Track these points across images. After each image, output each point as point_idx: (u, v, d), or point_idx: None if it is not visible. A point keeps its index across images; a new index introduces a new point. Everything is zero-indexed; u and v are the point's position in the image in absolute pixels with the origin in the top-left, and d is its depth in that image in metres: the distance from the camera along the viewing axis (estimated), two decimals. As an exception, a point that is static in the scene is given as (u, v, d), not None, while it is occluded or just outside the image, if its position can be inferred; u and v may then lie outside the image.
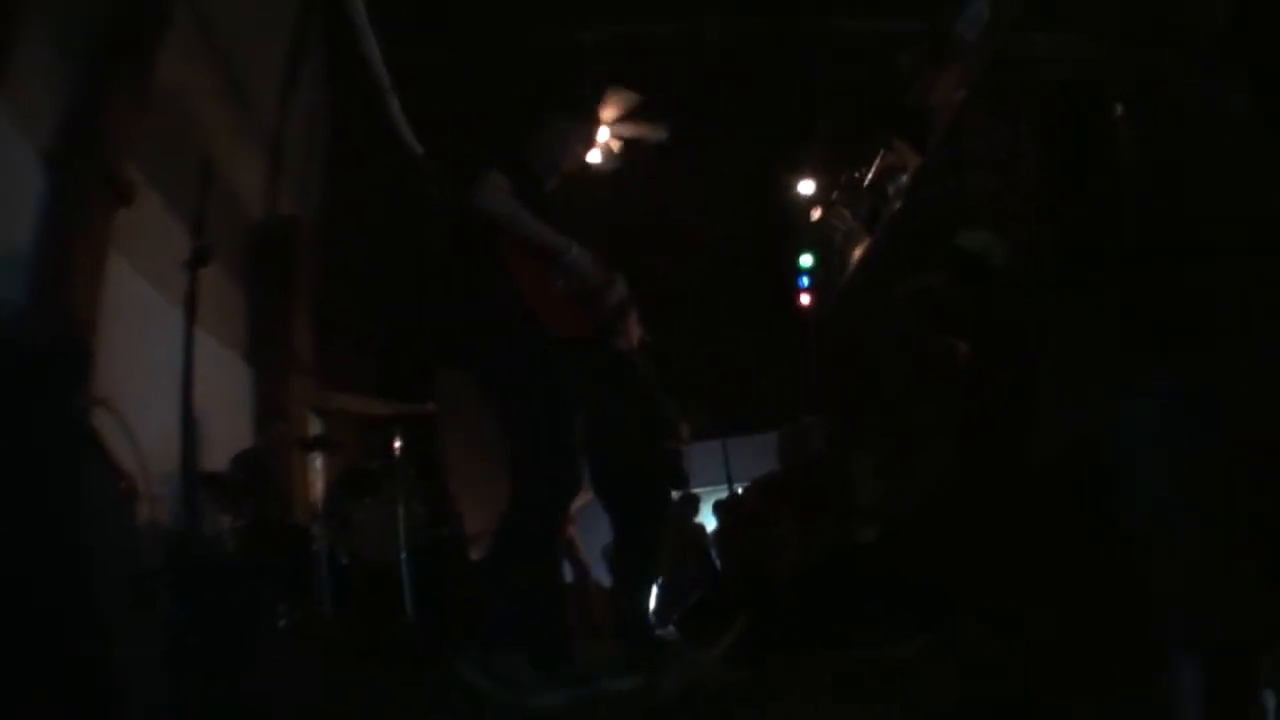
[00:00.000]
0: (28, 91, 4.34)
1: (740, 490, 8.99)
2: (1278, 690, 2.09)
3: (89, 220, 4.64)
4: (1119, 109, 3.02)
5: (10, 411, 2.62)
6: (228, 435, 6.25)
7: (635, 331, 5.85)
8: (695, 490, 9.13)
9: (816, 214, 11.01)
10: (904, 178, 8.57)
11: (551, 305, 4.17)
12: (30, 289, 4.36)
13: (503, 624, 3.93)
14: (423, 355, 9.06)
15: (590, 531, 7.59)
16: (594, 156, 8.17)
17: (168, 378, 4.51)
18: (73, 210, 4.55)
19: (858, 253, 10.00)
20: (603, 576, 7.73)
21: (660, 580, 8.11)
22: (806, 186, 10.90)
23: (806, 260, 11.34)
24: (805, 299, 11.35)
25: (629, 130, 8.65)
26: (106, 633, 2.60)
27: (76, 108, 4.69)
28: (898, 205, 8.61)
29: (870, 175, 9.46)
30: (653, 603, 6.92)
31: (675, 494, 7.19)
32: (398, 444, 6.41)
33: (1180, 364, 2.30)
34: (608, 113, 8.26)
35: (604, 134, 8.53)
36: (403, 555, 6.00)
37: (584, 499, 4.79)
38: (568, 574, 7.72)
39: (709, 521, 9.89)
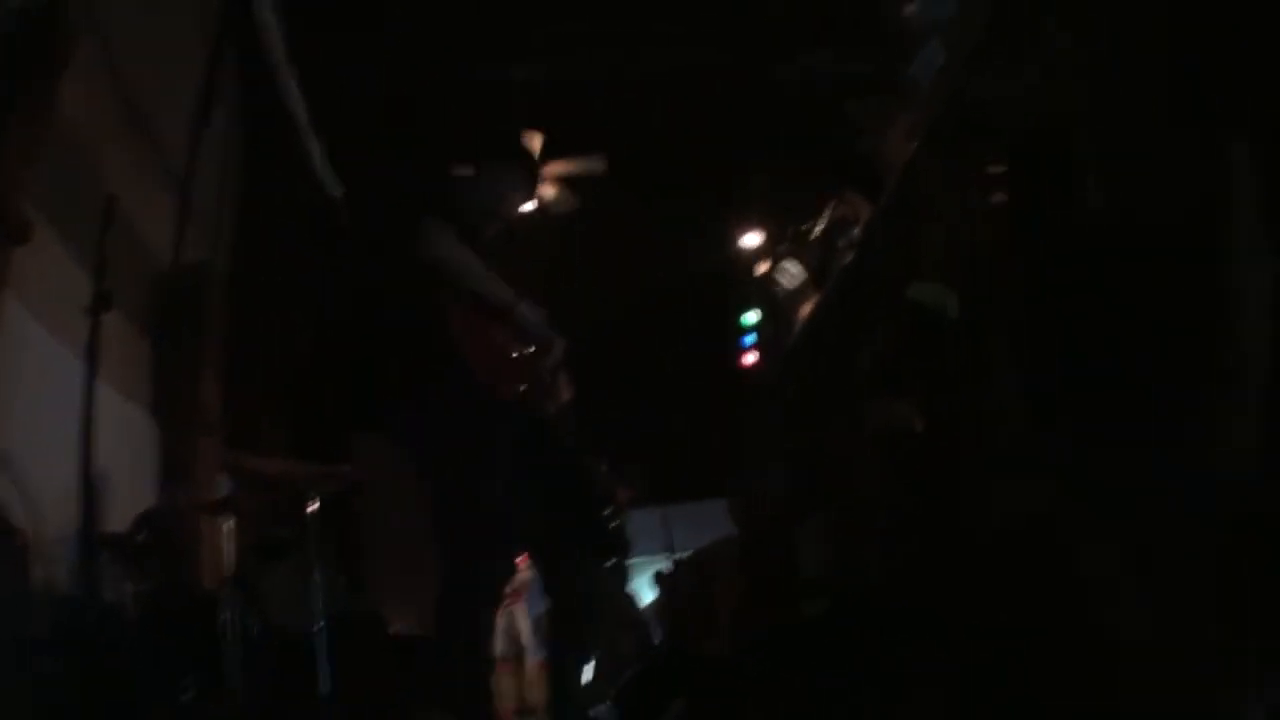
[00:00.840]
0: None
1: (681, 560, 8.98)
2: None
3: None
4: (1085, 158, 3.08)
5: None
6: (131, 494, 6.16)
7: (566, 392, 5.87)
8: (635, 559, 9.10)
9: (762, 268, 10.82)
10: (855, 230, 8.57)
11: (490, 363, 4.15)
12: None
13: (433, 706, 3.90)
14: (341, 415, 9.01)
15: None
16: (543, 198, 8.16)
17: (66, 432, 4.44)
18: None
19: (806, 308, 9.96)
20: (537, 649, 7.70)
21: (595, 654, 8.07)
22: (751, 239, 10.84)
23: (751, 317, 11.23)
24: (750, 358, 11.13)
25: (563, 167, 8.63)
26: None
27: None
28: (849, 258, 8.59)
29: (820, 227, 9.36)
30: (587, 678, 6.88)
31: (608, 563, 7.17)
32: (312, 508, 6.34)
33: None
34: (536, 145, 8.24)
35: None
36: (318, 625, 5.93)
37: (523, 573, 4.79)
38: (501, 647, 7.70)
39: (648, 593, 9.87)
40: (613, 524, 6.21)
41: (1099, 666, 2.54)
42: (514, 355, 4.29)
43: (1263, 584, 2.17)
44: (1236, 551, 2.22)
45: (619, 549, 6.58)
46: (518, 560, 5.19)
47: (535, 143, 8.28)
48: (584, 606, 5.67)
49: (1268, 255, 2.37)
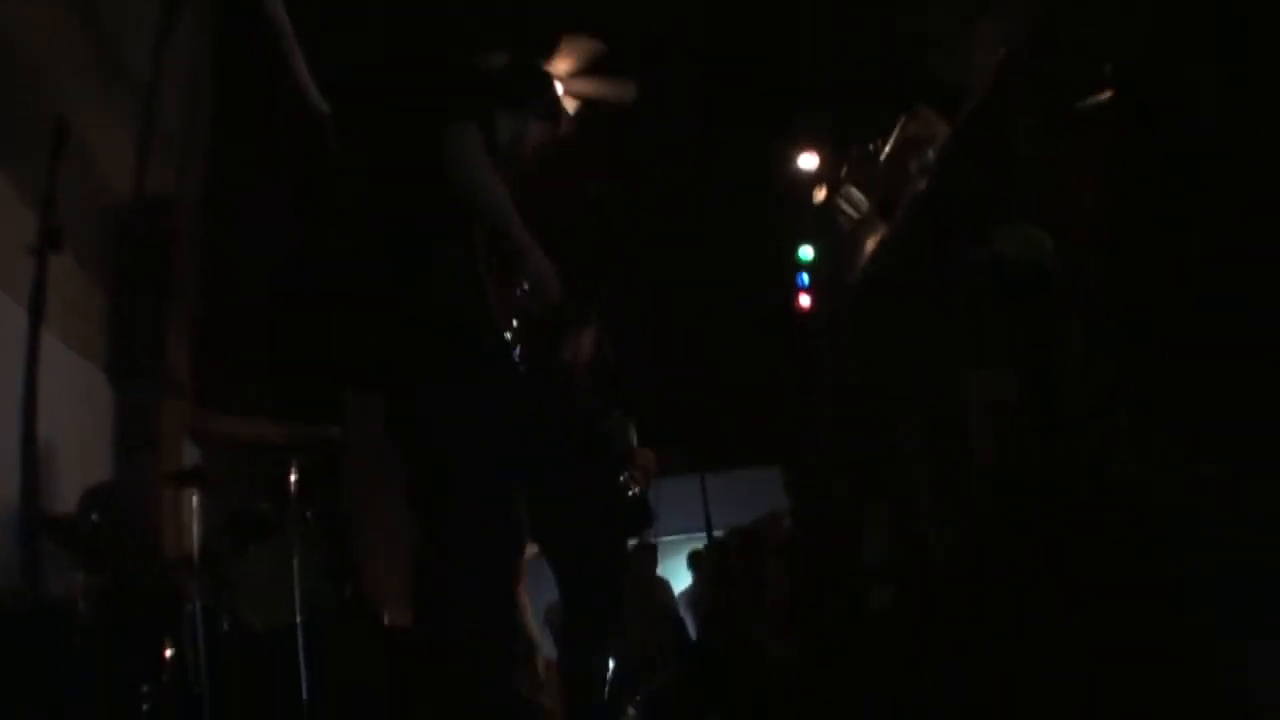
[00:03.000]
0: None
1: (722, 539, 8.92)
2: None
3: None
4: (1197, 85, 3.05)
5: None
6: (82, 467, 6.16)
7: (587, 344, 5.84)
8: (666, 538, 9.06)
9: (820, 195, 10.60)
10: (930, 152, 8.39)
11: (507, 312, 4.15)
12: None
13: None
14: (329, 371, 9.01)
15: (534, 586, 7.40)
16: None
17: (6, 392, 4.44)
18: None
19: (871, 243, 9.82)
20: (549, 646, 7.66)
21: (618, 651, 8.07)
22: (809, 161, 10.62)
23: (806, 253, 11.20)
24: (805, 300, 11.16)
25: (588, 87, 8.57)
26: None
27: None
28: (921, 185, 8.40)
29: (888, 148, 9.06)
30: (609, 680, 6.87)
31: (633, 541, 7.11)
32: (293, 479, 6.35)
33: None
34: (562, 65, 8.18)
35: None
36: (298, 620, 5.95)
37: (530, 549, 4.75)
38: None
39: (681, 578, 9.83)
40: (632, 492, 6.15)
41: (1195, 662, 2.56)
42: (516, 293, 4.28)
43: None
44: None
45: (642, 522, 6.53)
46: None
47: (582, 52, 8.26)
48: (603, 595, 5.62)
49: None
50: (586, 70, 8.43)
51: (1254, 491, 2.42)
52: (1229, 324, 2.86)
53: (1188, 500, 2.68)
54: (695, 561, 9.61)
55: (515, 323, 4.22)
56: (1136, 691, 2.84)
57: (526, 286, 4.10)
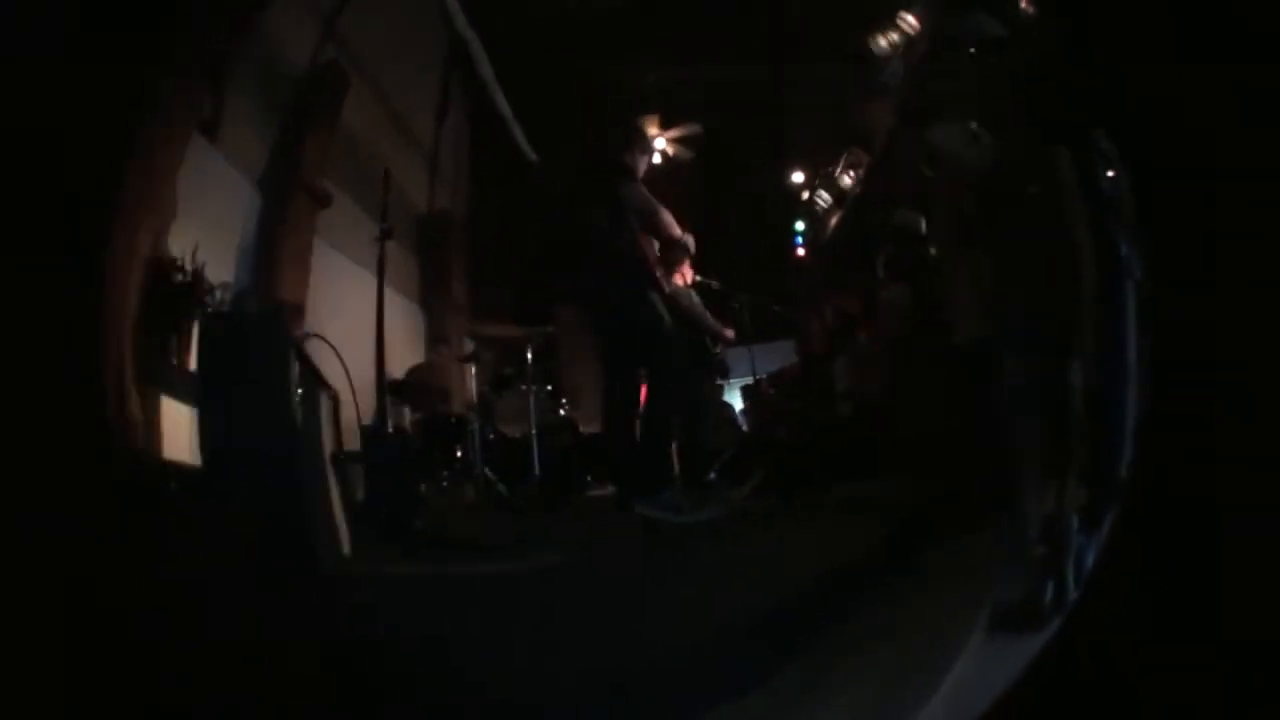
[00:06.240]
0: (240, 141, 4.29)
1: (761, 379, 8.94)
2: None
3: (294, 221, 4.61)
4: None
5: (244, 350, 2.58)
6: (408, 357, 6.24)
7: (689, 273, 5.91)
8: (732, 379, 9.05)
9: (805, 195, 10.97)
10: (860, 170, 8.71)
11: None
12: (249, 277, 4.34)
13: (658, 469, 4.02)
14: (545, 296, 8.99)
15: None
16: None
17: (366, 321, 4.48)
18: (281, 216, 4.53)
19: (832, 222, 10.11)
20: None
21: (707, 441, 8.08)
22: (798, 177, 10.84)
23: (799, 226, 11.32)
24: (800, 252, 11.31)
25: (677, 147, 8.55)
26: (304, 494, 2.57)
27: (281, 145, 4.64)
28: (856, 191, 8.79)
29: (839, 169, 9.48)
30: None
31: (717, 382, 7.23)
32: (529, 355, 6.42)
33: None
34: (672, 132, 8.16)
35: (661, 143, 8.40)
36: (533, 431, 5.98)
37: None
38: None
39: (739, 401, 9.79)
40: (719, 356, 6.28)
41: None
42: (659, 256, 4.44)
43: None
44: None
45: (723, 372, 6.66)
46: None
47: (685, 129, 8.18)
48: (703, 410, 5.77)
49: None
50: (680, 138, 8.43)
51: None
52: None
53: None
54: (745, 392, 9.58)
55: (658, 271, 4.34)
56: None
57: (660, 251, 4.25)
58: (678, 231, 4.11)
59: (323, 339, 3.60)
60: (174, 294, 3.45)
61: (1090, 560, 2.06)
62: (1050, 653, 1.93)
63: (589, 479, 6.57)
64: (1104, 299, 2.07)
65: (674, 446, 8.37)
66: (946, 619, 2.19)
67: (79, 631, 1.86)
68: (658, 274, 4.51)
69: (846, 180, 9.32)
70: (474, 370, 7.23)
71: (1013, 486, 2.20)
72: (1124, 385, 2.12)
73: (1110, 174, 2.12)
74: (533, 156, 9.48)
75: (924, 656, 2.09)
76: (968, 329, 3.06)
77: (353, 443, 4.04)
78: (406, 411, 5.50)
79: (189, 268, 3.76)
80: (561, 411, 7.36)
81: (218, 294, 3.52)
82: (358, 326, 4.69)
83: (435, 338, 7.78)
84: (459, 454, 5.52)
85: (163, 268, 3.55)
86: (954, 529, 2.62)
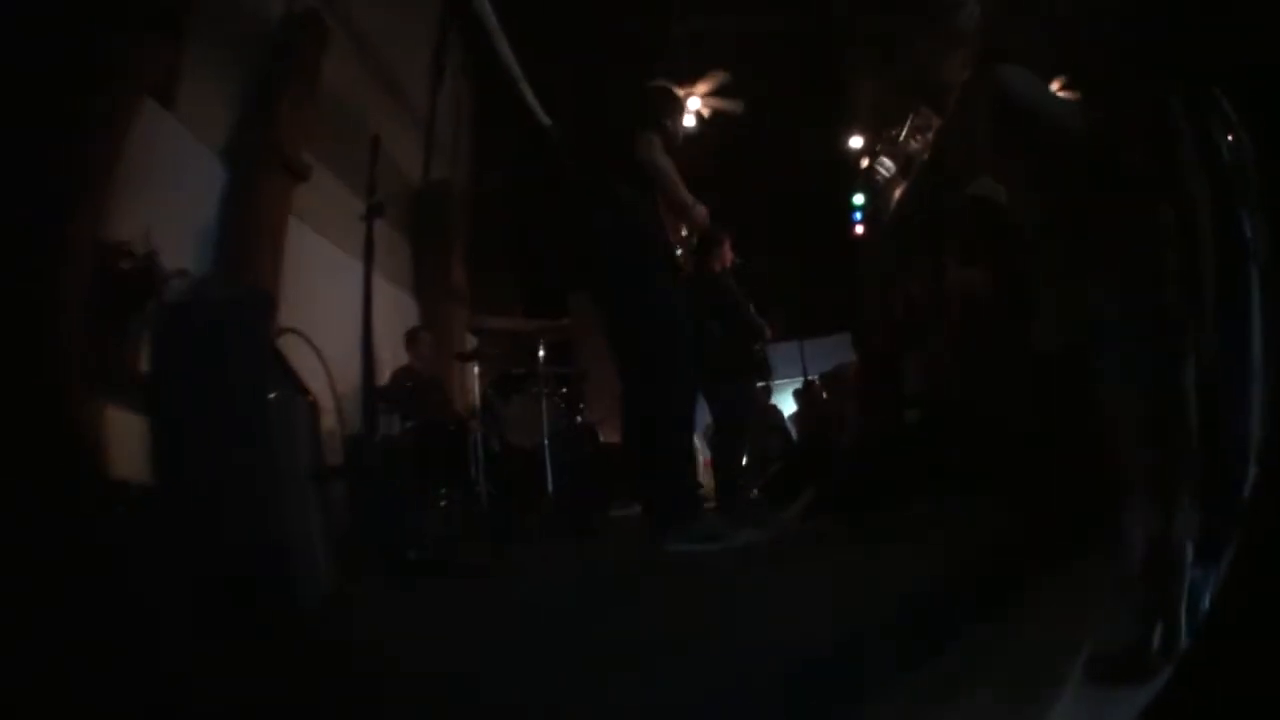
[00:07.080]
0: (201, 105, 4.27)
1: (813, 380, 8.97)
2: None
3: (267, 197, 4.58)
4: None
5: (206, 346, 2.57)
6: (401, 355, 6.25)
7: (728, 257, 5.87)
8: (779, 381, 9.03)
9: (864, 163, 11.14)
10: (929, 134, 8.74)
11: (677, 240, 4.31)
12: (213, 262, 4.32)
13: (682, 498, 3.97)
14: (560, 282, 9.01)
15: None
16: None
17: (350, 312, 4.47)
18: (251, 191, 4.50)
19: (896, 194, 10.28)
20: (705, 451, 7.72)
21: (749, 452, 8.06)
22: (856, 142, 11.13)
23: (858, 199, 11.45)
24: (859, 229, 11.48)
25: (714, 103, 8.54)
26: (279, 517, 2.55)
27: (250, 110, 4.63)
28: (924, 157, 8.92)
29: (903, 133, 9.81)
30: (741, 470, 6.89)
31: (760, 384, 7.16)
32: (540, 353, 6.42)
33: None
34: (701, 87, 8.17)
35: (696, 103, 8.46)
36: (545, 440, 5.98)
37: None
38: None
39: (788, 406, 9.78)
40: (761, 354, 6.22)
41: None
42: (683, 235, 4.45)
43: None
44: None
45: (765, 373, 6.60)
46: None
47: (714, 80, 8.22)
48: (742, 416, 5.75)
49: None
50: (714, 93, 8.53)
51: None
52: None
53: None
54: (797, 396, 9.56)
55: (680, 250, 4.33)
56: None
57: (685, 230, 4.24)
58: (689, 199, 3.99)
59: (300, 334, 3.57)
60: (123, 283, 3.45)
61: (1207, 600, 1.98)
62: (1157, 711, 1.87)
63: (609, 497, 6.56)
64: (1224, 287, 1.99)
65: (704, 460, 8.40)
66: (1034, 669, 2.13)
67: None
68: (676, 253, 4.38)
69: (913, 145, 9.39)
70: (477, 370, 7.22)
71: (1114, 509, 2.13)
72: (1247, 390, 2.04)
73: (1231, 139, 2.03)
74: (545, 119, 9.49)
75: (1006, 713, 2.03)
76: (1059, 322, 2.97)
77: (335, 456, 4.03)
78: (396, 419, 5.50)
79: (140, 252, 3.75)
80: (579, 418, 7.31)
81: (174, 282, 3.52)
82: (341, 320, 4.69)
83: (417, 327, 7.68)
84: (459, 467, 5.52)
85: (109, 253, 3.54)
86: (1044, 559, 2.55)
